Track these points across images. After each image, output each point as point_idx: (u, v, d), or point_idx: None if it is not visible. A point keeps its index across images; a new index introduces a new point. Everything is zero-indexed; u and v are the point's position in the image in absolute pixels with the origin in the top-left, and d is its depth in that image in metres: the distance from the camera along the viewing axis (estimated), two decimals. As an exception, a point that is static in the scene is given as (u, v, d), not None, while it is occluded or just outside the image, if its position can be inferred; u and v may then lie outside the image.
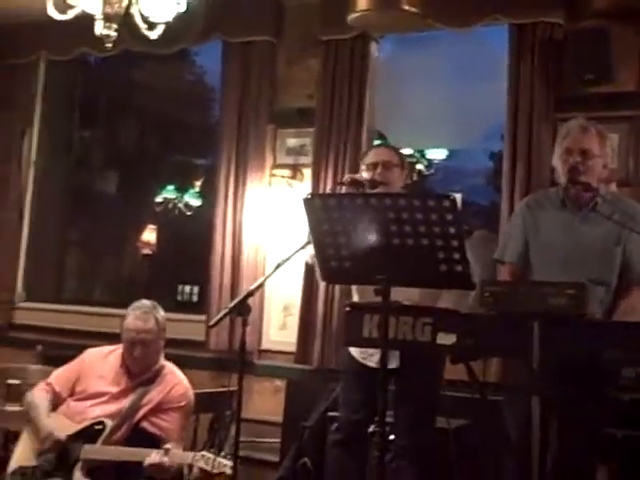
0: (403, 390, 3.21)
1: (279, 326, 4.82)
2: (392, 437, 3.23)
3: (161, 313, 3.45)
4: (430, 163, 6.12)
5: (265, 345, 4.82)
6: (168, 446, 3.04)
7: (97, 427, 3.16)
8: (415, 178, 5.65)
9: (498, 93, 4.36)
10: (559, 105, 4.16)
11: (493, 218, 4.64)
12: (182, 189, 9.06)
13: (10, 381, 4.29)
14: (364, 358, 3.37)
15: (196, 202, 9.07)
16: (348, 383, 3.48)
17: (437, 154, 6.03)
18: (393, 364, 3.24)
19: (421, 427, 3.27)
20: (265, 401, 4.70)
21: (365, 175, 3.43)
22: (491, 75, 4.67)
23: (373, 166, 3.43)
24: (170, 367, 3.47)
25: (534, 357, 2.28)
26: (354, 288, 3.56)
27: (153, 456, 2.99)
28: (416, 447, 3.23)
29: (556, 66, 4.20)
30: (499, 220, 4.27)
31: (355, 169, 4.42)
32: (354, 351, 3.43)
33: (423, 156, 6.02)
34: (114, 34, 4.27)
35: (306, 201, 2.51)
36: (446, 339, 2.42)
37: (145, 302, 3.46)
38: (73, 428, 3.18)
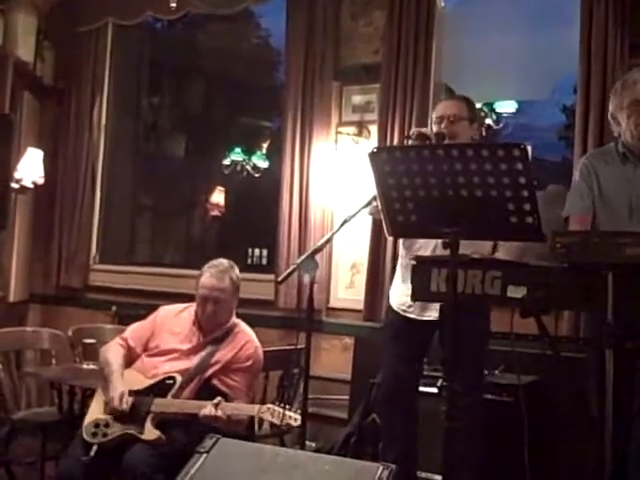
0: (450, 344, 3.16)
1: (347, 284, 4.81)
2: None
3: (237, 273, 3.48)
4: (499, 117, 5.97)
5: (333, 303, 4.82)
6: (218, 400, 3.08)
7: (168, 382, 3.24)
8: (484, 133, 5.52)
9: (570, 43, 4.19)
10: (635, 50, 3.97)
11: (565, 175, 4.49)
12: (249, 151, 9.09)
13: (86, 340, 4.41)
14: (404, 310, 3.35)
15: (263, 164, 9.10)
16: (390, 337, 3.46)
17: (506, 107, 5.87)
18: (433, 315, 3.22)
19: (471, 383, 3.20)
20: (333, 358, 4.71)
21: (434, 128, 3.37)
22: (563, 24, 4.49)
23: (440, 119, 3.37)
24: (242, 326, 3.51)
25: (608, 309, 2.21)
26: (401, 243, 3.52)
27: (208, 408, 3.05)
28: (469, 405, 3.18)
29: (632, 6, 3.99)
30: (571, 177, 4.13)
31: (422, 124, 4.35)
32: (394, 303, 3.41)
33: (492, 110, 5.87)
34: (178, -8, 4.32)
35: (371, 155, 2.47)
36: (516, 292, 2.37)
37: (222, 261, 3.50)
38: (145, 383, 3.26)
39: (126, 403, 3.15)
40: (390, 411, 3.38)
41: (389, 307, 3.49)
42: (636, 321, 2.28)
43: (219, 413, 3.04)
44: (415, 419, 3.34)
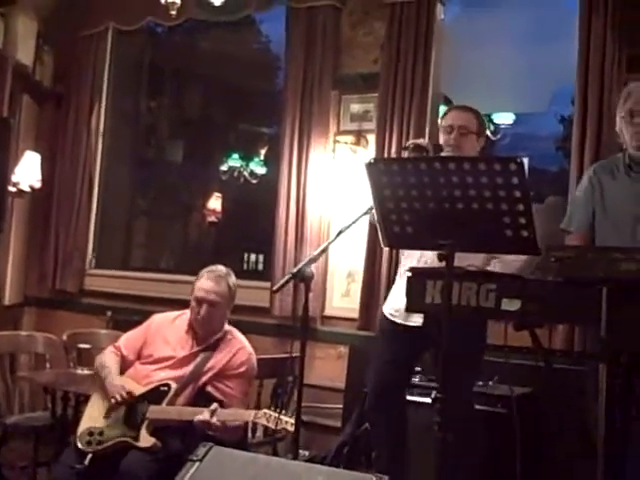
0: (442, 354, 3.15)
1: (342, 293, 4.81)
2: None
3: (233, 280, 3.49)
4: (497, 128, 5.99)
5: (328, 312, 4.81)
6: (215, 406, 3.08)
7: (162, 389, 3.24)
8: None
9: (568, 55, 4.21)
10: (632, 63, 3.98)
11: (561, 185, 4.51)
12: (247, 157, 9.10)
13: (81, 345, 4.40)
14: (392, 315, 3.34)
15: (261, 170, 9.11)
16: (380, 344, 3.46)
17: (504, 119, 5.90)
18: (418, 321, 3.20)
19: (462, 394, 3.16)
20: (328, 367, 4.70)
21: (442, 137, 3.33)
22: (561, 35, 4.51)
23: (450, 128, 3.31)
24: (234, 333, 3.51)
25: (602, 324, 2.22)
26: (402, 254, 3.51)
27: (204, 414, 3.06)
28: (461, 415, 3.16)
29: (630, 20, 3.98)
30: (568, 187, 4.15)
31: (420, 134, 4.37)
32: (385, 309, 3.42)
33: (490, 121, 5.89)
34: (178, 1, 4.32)
35: (368, 166, 2.48)
36: (510, 305, 2.38)
37: (220, 267, 3.51)
38: (139, 390, 3.25)
39: (130, 394, 3.17)
40: (378, 418, 3.36)
41: (382, 314, 3.49)
42: (630, 336, 2.28)
43: (214, 420, 3.03)
44: (403, 426, 3.32)
